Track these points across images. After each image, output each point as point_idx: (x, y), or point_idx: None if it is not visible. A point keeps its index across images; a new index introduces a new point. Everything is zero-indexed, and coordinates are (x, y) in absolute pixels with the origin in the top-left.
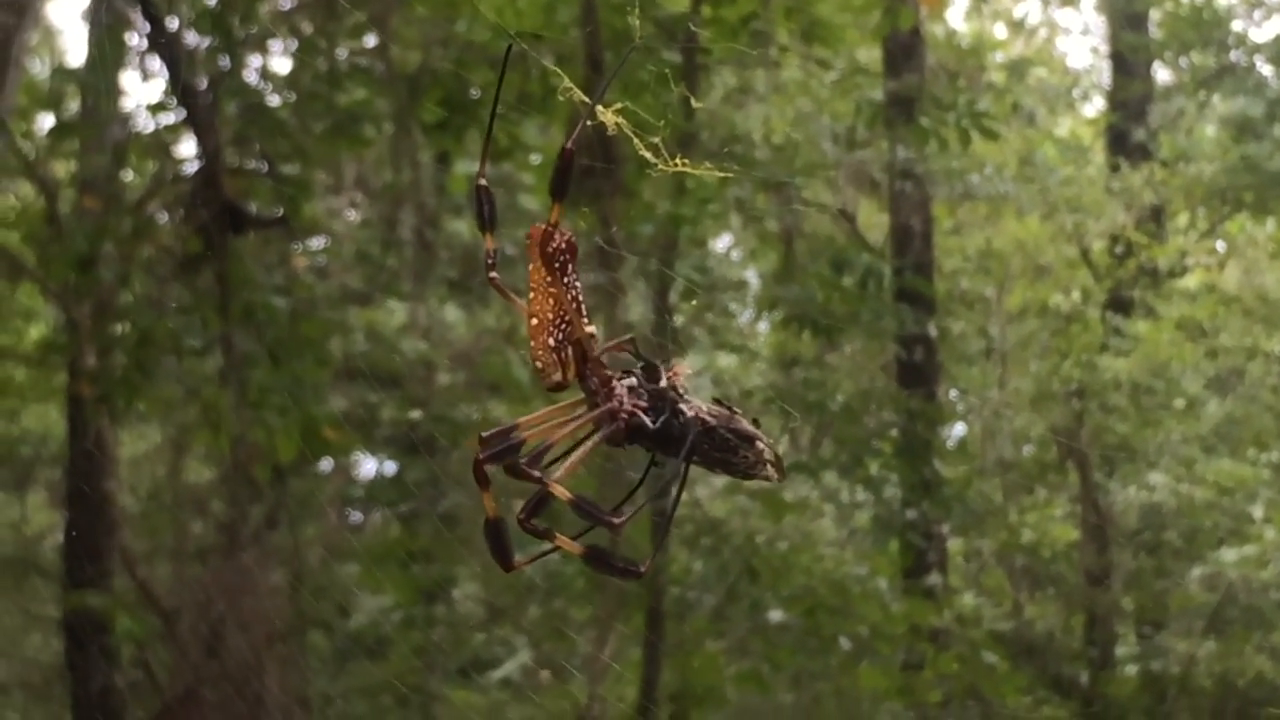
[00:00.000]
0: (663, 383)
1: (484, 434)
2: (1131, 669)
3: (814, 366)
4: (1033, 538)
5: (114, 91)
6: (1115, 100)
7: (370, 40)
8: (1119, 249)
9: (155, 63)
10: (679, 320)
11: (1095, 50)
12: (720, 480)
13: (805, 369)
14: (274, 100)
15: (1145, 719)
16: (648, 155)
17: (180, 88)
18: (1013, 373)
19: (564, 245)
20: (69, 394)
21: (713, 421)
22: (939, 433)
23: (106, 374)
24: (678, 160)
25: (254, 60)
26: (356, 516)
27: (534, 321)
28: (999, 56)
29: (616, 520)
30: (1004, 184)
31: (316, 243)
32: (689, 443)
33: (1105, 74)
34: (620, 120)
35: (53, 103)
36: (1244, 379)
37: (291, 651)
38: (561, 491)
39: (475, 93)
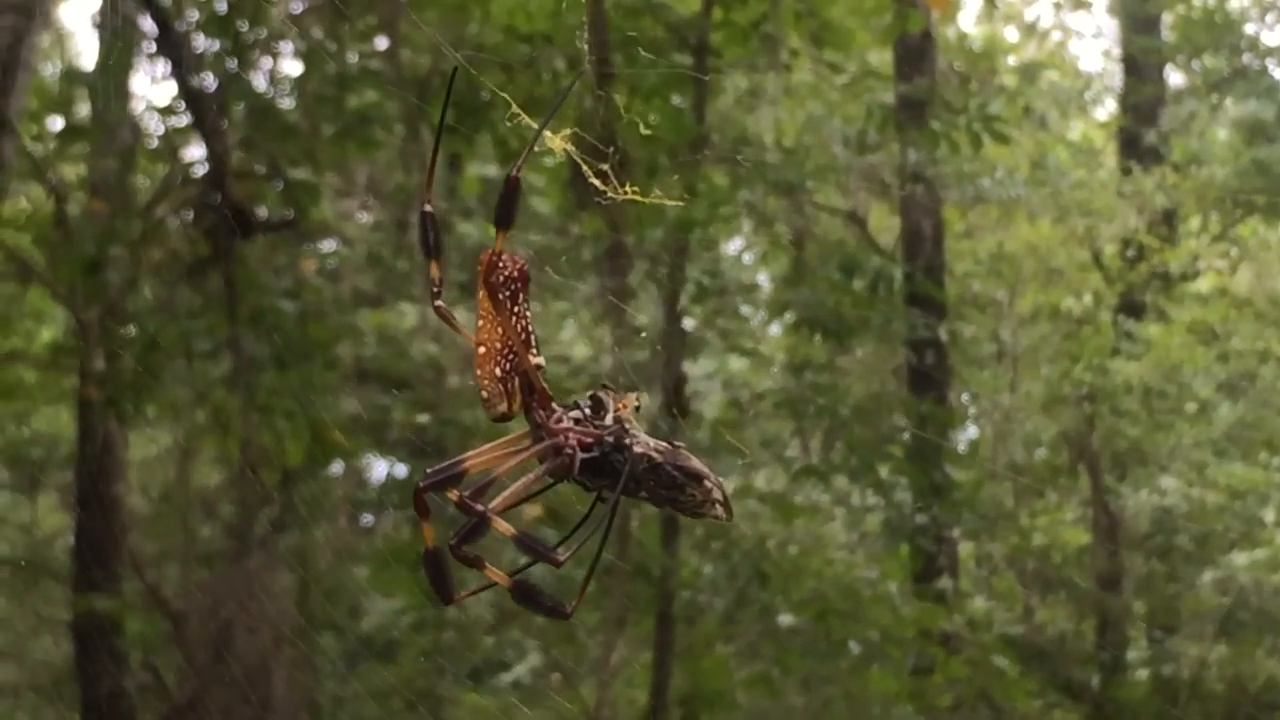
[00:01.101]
0: (609, 417)
1: (429, 469)
2: (1143, 673)
3: (825, 370)
4: (1044, 542)
5: (123, 95)
6: (1127, 103)
7: (380, 43)
8: (1131, 252)
9: (164, 66)
10: (690, 323)
11: (1107, 53)
12: (730, 484)
13: (816, 373)
14: (284, 103)
15: None
16: (596, 183)
17: (188, 91)
18: (1024, 376)
19: (514, 273)
20: (79, 397)
21: (659, 458)
22: (950, 437)
23: (115, 377)
24: (627, 188)
25: (264, 63)
26: (367, 519)
27: (481, 350)
28: (1010, 60)
29: (560, 557)
30: (1015, 187)
31: (327, 245)
32: (624, 478)
33: (1117, 77)
34: (569, 147)
35: (62, 105)
36: (1256, 383)
37: (300, 655)
38: (504, 526)
39: (486, 95)
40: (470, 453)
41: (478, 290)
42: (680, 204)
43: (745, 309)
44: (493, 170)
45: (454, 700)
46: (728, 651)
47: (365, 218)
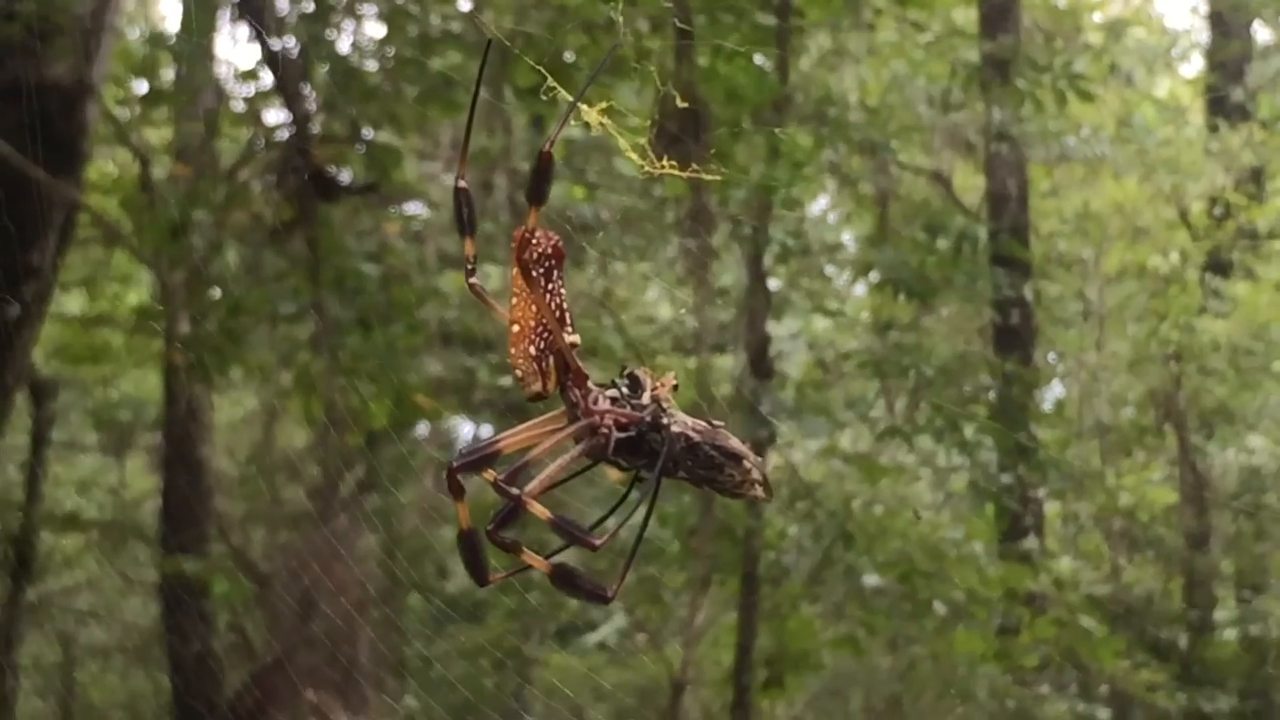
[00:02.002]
0: (646, 397)
1: (463, 449)
2: (1231, 633)
3: (910, 330)
4: (1131, 501)
5: (207, 59)
6: (1214, 60)
7: (463, 4)
8: (1217, 210)
9: (246, 29)
10: (774, 284)
11: (1194, 10)
12: (815, 444)
13: (901, 333)
14: (367, 66)
15: (1244, 683)
16: (633, 156)
17: (270, 54)
18: (1110, 335)
19: (548, 250)
20: (164, 360)
21: (697, 437)
22: (1035, 396)
23: (199, 340)
24: (664, 162)
25: (346, 26)
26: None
27: (515, 329)
28: (1096, 17)
29: (596, 541)
30: (1101, 145)
31: (411, 208)
32: (662, 459)
33: (1204, 33)
34: (605, 120)
35: (146, 70)
36: None
37: (386, 616)
38: (539, 510)
39: (569, 56)
40: (505, 433)
41: (512, 267)
42: (718, 178)
43: (830, 269)
44: (577, 132)
45: (541, 661)
46: (813, 612)
47: (449, 180)
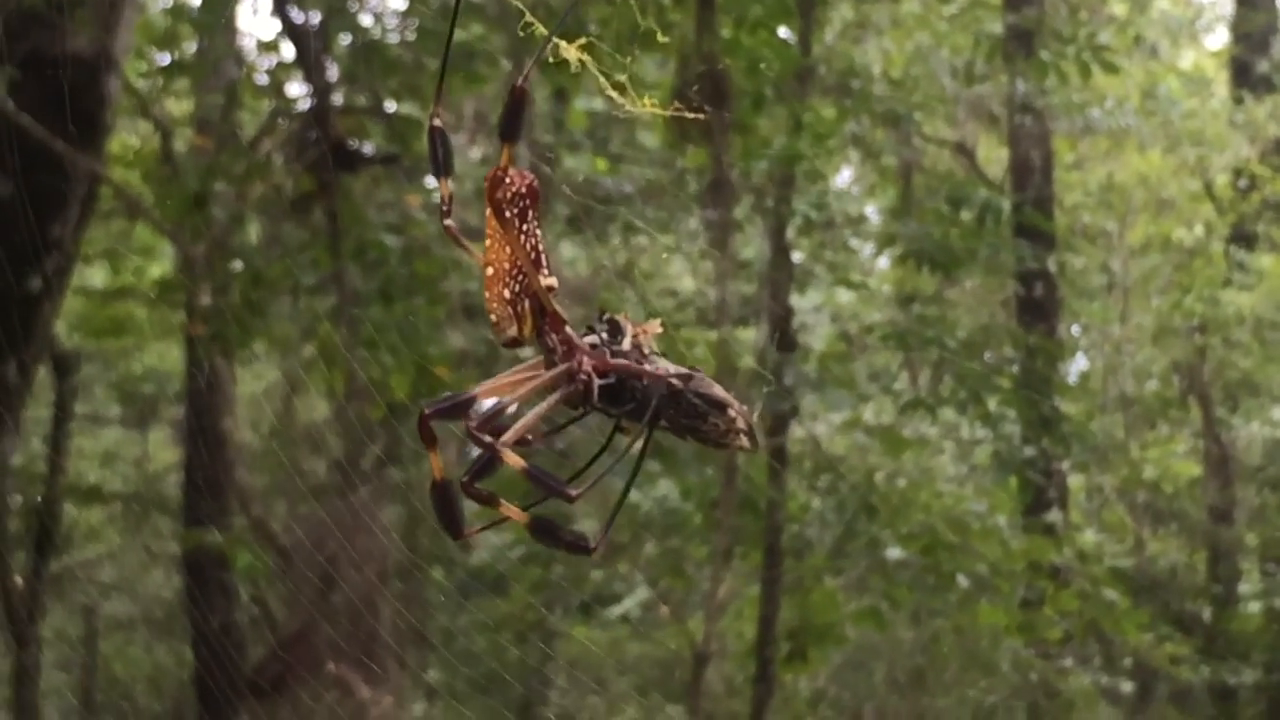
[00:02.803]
0: (626, 342)
1: (440, 397)
2: (1255, 606)
3: (933, 302)
4: (1155, 474)
5: (228, 30)
6: (1239, 32)
7: None
8: (1242, 182)
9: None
10: (798, 256)
11: None
12: (838, 417)
13: (924, 305)
14: (389, 38)
15: (1269, 656)
16: (613, 95)
17: (291, 26)
18: (1134, 308)
19: (523, 189)
20: (186, 333)
21: (680, 385)
22: (1059, 368)
23: (220, 313)
24: (645, 100)
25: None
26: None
27: (489, 272)
28: None
29: (573, 491)
30: (1125, 117)
31: (433, 180)
32: (651, 407)
33: (1228, 5)
34: (584, 57)
35: (167, 41)
36: None
37: (409, 588)
38: (514, 459)
39: (592, 28)
40: (483, 385)
41: (486, 209)
42: (701, 116)
43: (853, 241)
44: (599, 103)
45: (564, 633)
46: (835, 585)
47: (473, 152)
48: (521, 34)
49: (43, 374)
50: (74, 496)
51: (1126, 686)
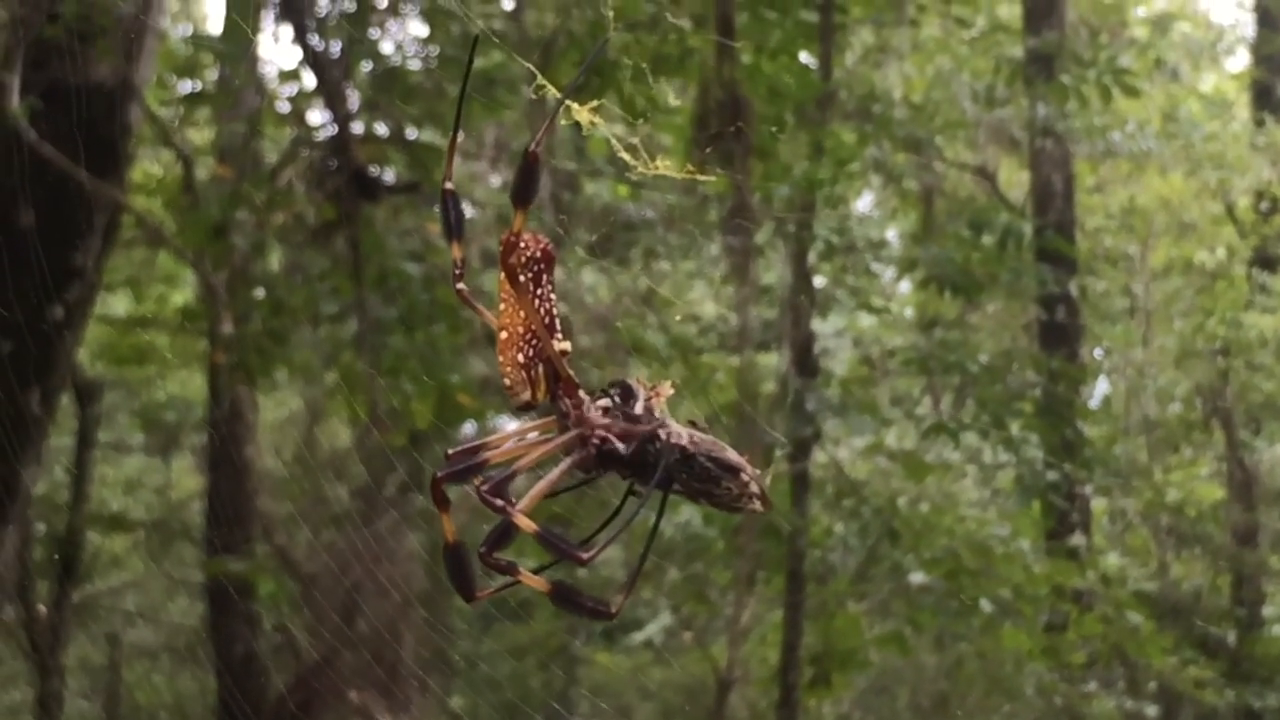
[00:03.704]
0: (639, 406)
1: (450, 450)
2: (1279, 629)
3: (955, 327)
4: (1178, 497)
5: (250, 59)
6: (1260, 55)
7: (506, 3)
8: (1264, 205)
9: (288, 30)
10: (819, 281)
11: (1240, 4)
12: (860, 441)
13: (946, 329)
14: (411, 65)
15: None
16: (625, 156)
17: (312, 55)
18: (1157, 331)
19: (538, 254)
20: (209, 361)
21: (692, 449)
22: (1082, 392)
23: (242, 341)
24: (657, 163)
25: (389, 26)
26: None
27: (503, 335)
28: (1141, 11)
29: (585, 555)
30: (1147, 141)
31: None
32: (660, 472)
33: (1250, 28)
34: (596, 119)
35: (188, 70)
36: None
37: (432, 615)
38: (526, 523)
39: (613, 55)
40: (492, 437)
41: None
42: (714, 179)
43: (874, 266)
44: (619, 129)
45: (587, 659)
46: (859, 610)
47: (494, 180)
48: (535, 95)
49: (65, 402)
50: (97, 525)
51: (1151, 711)
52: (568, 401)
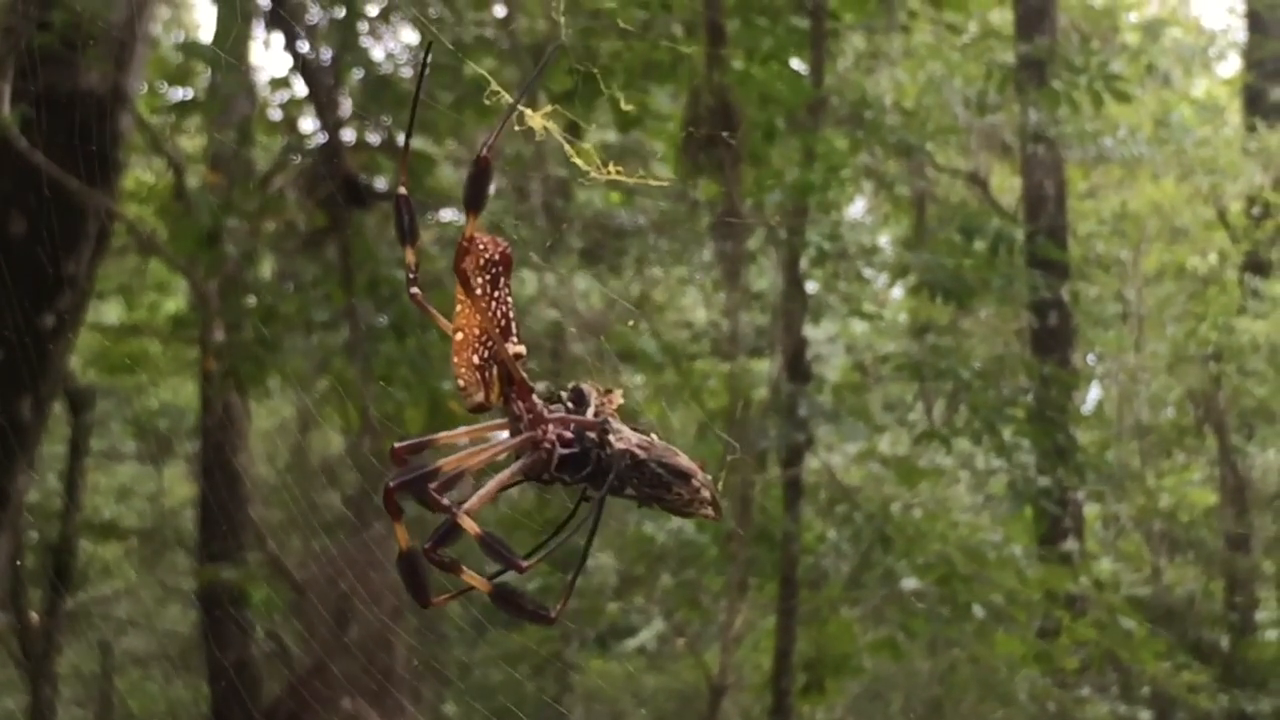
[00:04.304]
0: (590, 412)
1: (397, 444)
2: (1273, 634)
3: (947, 333)
4: (1171, 502)
5: (241, 67)
6: (1251, 60)
7: (498, 10)
8: (1256, 210)
9: (279, 38)
10: (811, 287)
11: (1231, 9)
12: (853, 447)
13: (938, 335)
14: (403, 72)
15: None
16: (579, 162)
17: (303, 62)
18: (1149, 336)
19: (495, 256)
20: (201, 368)
21: (643, 455)
22: (1074, 398)
23: (234, 348)
24: (610, 167)
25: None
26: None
27: (458, 337)
28: (1132, 17)
29: (524, 564)
30: (1138, 146)
31: (445, 214)
32: (611, 477)
33: (1241, 33)
34: (549, 124)
35: (180, 78)
36: None
37: (424, 622)
38: (470, 525)
39: (606, 62)
40: (442, 435)
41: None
42: (664, 184)
43: (867, 272)
44: (611, 136)
45: (581, 667)
46: (852, 616)
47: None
48: (487, 102)
49: (58, 410)
50: (89, 532)
51: (1144, 715)
52: (520, 405)
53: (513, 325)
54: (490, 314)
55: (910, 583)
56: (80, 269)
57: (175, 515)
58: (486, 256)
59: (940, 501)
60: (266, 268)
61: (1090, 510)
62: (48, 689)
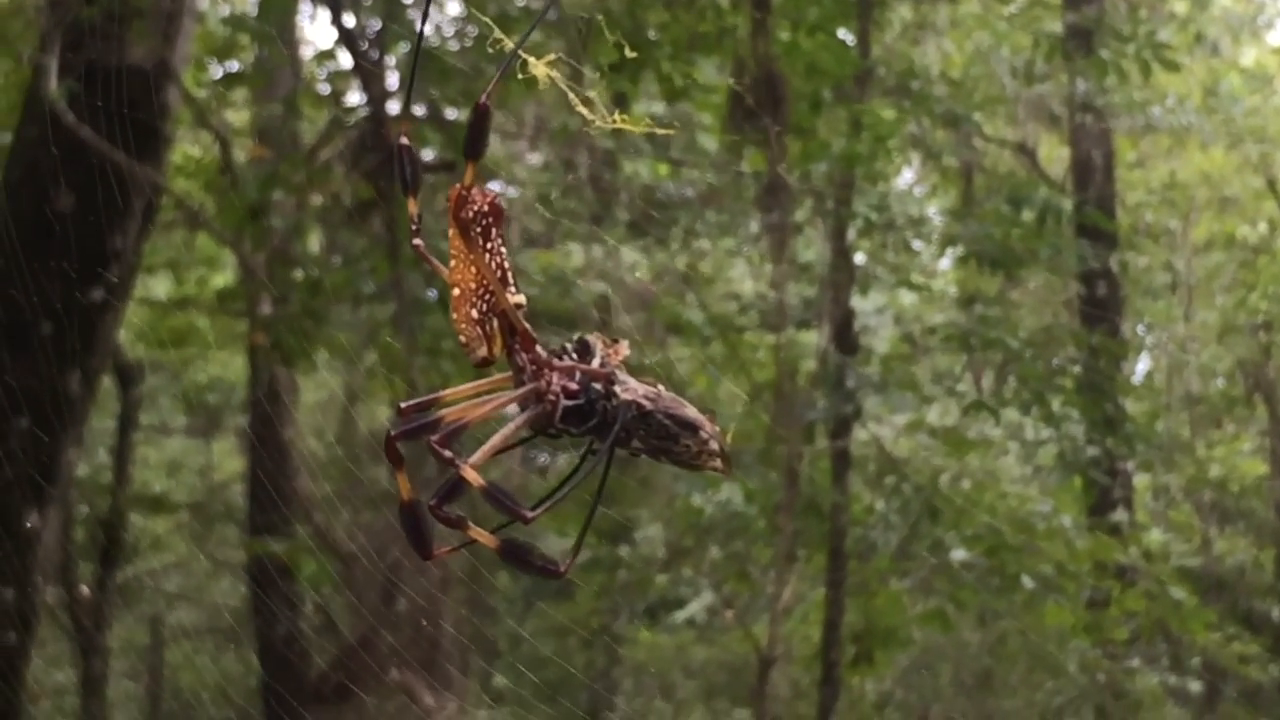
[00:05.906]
0: (596, 363)
1: (402, 404)
2: None
3: (996, 303)
4: (1221, 472)
5: (287, 40)
6: None
7: None
8: None
9: (324, 10)
10: (859, 258)
11: None
12: (901, 418)
13: (987, 306)
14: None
15: None
16: (583, 111)
17: (348, 35)
18: (1199, 306)
19: (485, 208)
20: (248, 342)
21: (650, 406)
22: (1123, 368)
23: (281, 322)
24: (616, 116)
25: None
26: (544, 458)
27: (456, 292)
28: None
29: (529, 514)
30: (1187, 115)
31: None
32: (618, 428)
33: None
34: (553, 73)
35: (225, 52)
36: None
37: (472, 594)
38: (474, 477)
39: (652, 34)
40: (448, 391)
41: (449, 227)
42: (668, 132)
43: (914, 243)
44: (659, 108)
45: (629, 638)
46: (901, 587)
47: (533, 159)
48: (490, 50)
49: (107, 385)
50: (139, 506)
51: (1195, 686)
52: (524, 356)
53: (509, 275)
54: (487, 265)
55: (959, 554)
56: (128, 243)
57: (224, 489)
58: (477, 208)
59: (989, 472)
60: (313, 241)
61: (1140, 480)
62: (99, 662)
